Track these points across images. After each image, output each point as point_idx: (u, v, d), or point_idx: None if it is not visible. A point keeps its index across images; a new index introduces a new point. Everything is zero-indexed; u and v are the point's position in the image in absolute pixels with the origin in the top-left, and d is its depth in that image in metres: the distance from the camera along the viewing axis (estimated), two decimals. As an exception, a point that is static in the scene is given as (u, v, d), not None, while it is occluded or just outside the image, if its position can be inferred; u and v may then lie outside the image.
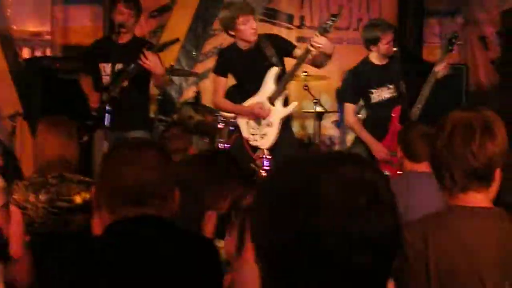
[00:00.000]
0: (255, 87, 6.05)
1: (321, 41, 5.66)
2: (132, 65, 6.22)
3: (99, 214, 2.38)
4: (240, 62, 6.04)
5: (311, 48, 5.71)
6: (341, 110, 9.40)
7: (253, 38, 5.96)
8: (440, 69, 6.15)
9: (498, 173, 2.38)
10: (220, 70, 6.20)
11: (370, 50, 6.37)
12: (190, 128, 7.39)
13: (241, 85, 6.24)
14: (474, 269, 2.29)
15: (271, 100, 5.97)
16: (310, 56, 5.81)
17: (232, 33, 6.02)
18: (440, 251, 2.31)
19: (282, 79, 5.96)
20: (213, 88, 6.39)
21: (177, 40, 6.76)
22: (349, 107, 6.51)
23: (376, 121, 6.37)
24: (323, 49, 5.73)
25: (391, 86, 6.27)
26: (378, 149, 6.21)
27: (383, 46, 6.24)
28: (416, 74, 6.46)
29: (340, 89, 6.79)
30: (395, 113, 6.24)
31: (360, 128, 6.41)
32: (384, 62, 6.35)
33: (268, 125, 5.99)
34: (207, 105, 7.90)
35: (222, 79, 6.19)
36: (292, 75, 6.06)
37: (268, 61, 5.94)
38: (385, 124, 6.24)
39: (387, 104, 6.30)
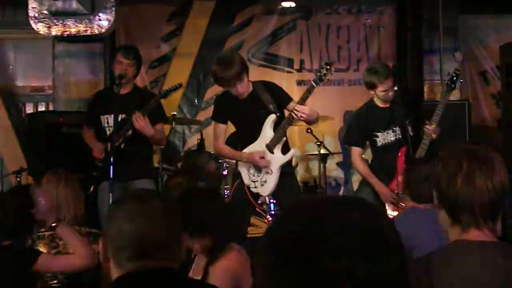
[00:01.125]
0: (254, 134, 6.05)
1: (303, 111, 5.70)
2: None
3: (107, 267, 2.37)
4: (237, 110, 6.04)
5: (294, 116, 5.76)
6: (345, 152, 9.44)
7: (245, 94, 5.98)
8: (430, 131, 6.12)
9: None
10: (218, 117, 6.21)
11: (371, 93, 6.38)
12: (195, 176, 7.40)
13: (240, 132, 6.25)
14: None
15: (270, 147, 5.97)
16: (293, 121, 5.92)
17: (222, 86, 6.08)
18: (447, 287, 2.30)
19: (279, 127, 5.96)
20: (214, 135, 6.41)
21: (180, 85, 6.78)
22: (356, 151, 6.50)
23: (383, 163, 6.34)
24: (304, 119, 5.80)
25: (396, 129, 6.25)
26: (385, 192, 6.20)
27: (380, 92, 6.25)
28: (417, 113, 6.43)
29: (346, 132, 6.77)
30: (400, 155, 6.22)
31: (367, 172, 6.39)
32: (387, 105, 6.33)
33: (267, 172, 5.99)
34: (211, 152, 7.91)
35: (222, 125, 6.20)
36: (283, 133, 6.04)
37: (265, 109, 5.95)
38: (391, 166, 6.21)
39: (392, 147, 6.29)
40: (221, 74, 5.85)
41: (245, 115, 6.00)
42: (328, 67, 5.76)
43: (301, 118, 5.77)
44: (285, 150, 6.02)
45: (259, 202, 6.15)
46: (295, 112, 5.70)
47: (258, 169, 6.02)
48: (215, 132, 6.28)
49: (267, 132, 5.99)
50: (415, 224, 4.23)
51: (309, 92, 5.78)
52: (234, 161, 6.52)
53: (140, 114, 6.18)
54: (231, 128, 6.34)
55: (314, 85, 5.75)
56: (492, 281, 2.29)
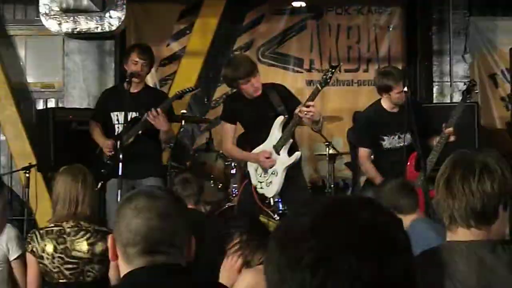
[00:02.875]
0: (263, 136, 6.05)
1: (311, 108, 5.66)
2: (146, 115, 6.28)
3: (116, 264, 2.38)
4: (246, 111, 6.05)
5: (300, 115, 5.70)
6: (353, 152, 9.43)
7: (255, 94, 5.98)
8: (449, 132, 6.10)
9: (501, 212, 2.37)
10: (227, 117, 6.24)
11: (382, 97, 6.36)
12: (204, 174, 7.42)
13: (249, 133, 6.26)
14: None
15: (277, 148, 5.97)
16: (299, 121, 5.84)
17: (235, 89, 6.11)
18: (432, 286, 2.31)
19: (286, 129, 5.95)
20: (223, 135, 6.43)
21: (197, 88, 6.81)
22: (364, 152, 6.49)
23: (387, 166, 6.31)
24: (311, 117, 5.69)
25: (402, 136, 6.22)
26: None
27: (395, 95, 6.21)
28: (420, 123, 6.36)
29: (354, 132, 6.74)
30: (410, 161, 6.20)
31: (374, 173, 6.36)
32: (395, 110, 6.30)
33: (273, 173, 5.99)
34: (220, 151, 7.92)
35: (230, 126, 6.22)
36: (290, 135, 6.00)
37: (274, 111, 5.95)
38: (393, 170, 6.16)
39: (396, 151, 6.27)
40: (231, 74, 5.89)
41: (254, 116, 6.01)
42: (333, 70, 5.74)
43: (307, 116, 5.65)
44: (292, 152, 6.00)
45: (266, 202, 6.16)
46: (302, 111, 5.65)
47: (265, 169, 6.02)
48: (224, 133, 6.31)
49: (275, 133, 5.99)
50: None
51: (314, 94, 5.75)
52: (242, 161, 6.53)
53: (157, 109, 6.19)
54: (240, 129, 6.36)
55: (320, 88, 5.73)
56: (479, 281, 2.30)
